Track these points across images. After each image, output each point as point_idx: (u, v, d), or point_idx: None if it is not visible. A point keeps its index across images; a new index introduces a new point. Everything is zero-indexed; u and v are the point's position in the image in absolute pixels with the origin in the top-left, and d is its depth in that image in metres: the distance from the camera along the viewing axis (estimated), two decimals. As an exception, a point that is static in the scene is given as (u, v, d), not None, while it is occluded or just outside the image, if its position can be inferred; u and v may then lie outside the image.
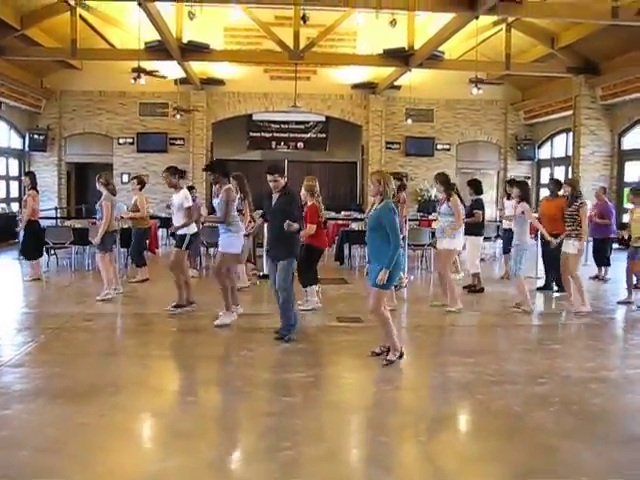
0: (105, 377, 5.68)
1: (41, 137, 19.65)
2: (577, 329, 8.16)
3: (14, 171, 19.11)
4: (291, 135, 20.87)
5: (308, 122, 20.83)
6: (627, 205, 16.09)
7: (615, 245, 12.15)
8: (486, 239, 11.95)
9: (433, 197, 19.44)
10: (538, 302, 9.66)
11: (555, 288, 9.85)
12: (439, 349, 7.00)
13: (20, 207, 11.49)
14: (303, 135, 20.88)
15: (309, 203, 8.38)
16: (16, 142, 19.38)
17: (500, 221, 12.69)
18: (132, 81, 14.68)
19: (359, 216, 15.76)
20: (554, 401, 5.14)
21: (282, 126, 20.82)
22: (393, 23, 17.80)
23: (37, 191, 10.59)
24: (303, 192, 8.51)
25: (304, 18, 16.88)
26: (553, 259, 9.47)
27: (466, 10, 11.88)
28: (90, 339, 7.16)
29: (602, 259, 11.38)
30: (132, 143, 20.36)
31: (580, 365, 6.23)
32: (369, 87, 20.31)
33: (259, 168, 18.56)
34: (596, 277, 11.36)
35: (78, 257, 12.77)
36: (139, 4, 12.06)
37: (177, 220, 8.37)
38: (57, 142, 20.10)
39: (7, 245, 14.85)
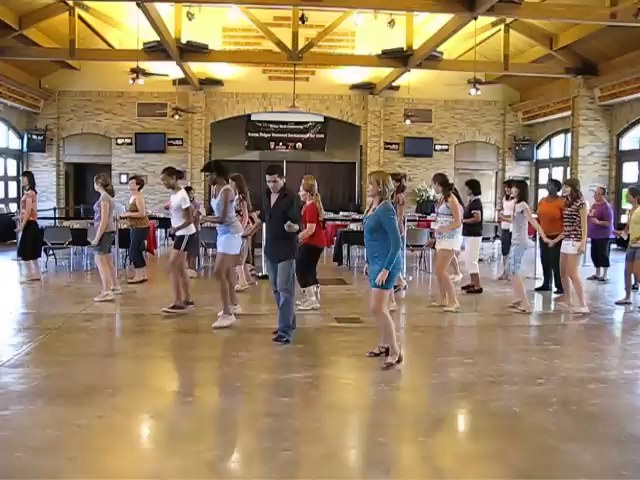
0: (104, 378, 5.69)
1: (39, 137, 19.63)
2: (575, 330, 8.18)
3: (12, 171, 19.09)
4: (290, 135, 20.84)
5: (307, 122, 20.82)
6: (625, 206, 16.12)
7: (613, 246, 12.15)
8: (485, 239, 11.96)
9: (431, 197, 19.45)
10: (536, 303, 9.68)
11: (555, 289, 9.83)
12: (438, 349, 7.00)
13: (18, 207, 11.46)
14: (302, 135, 20.86)
15: (308, 202, 8.39)
16: (14, 142, 19.37)
17: (499, 221, 12.69)
18: (131, 81, 14.69)
19: (358, 216, 15.77)
20: (553, 401, 5.14)
21: (281, 126, 20.79)
22: (392, 24, 17.88)
23: (35, 191, 10.58)
24: (302, 191, 8.52)
25: (303, 18, 16.91)
26: (553, 260, 9.47)
27: (465, 11, 11.87)
28: (89, 340, 7.15)
29: (600, 260, 11.38)
30: (130, 143, 20.35)
31: (579, 366, 6.23)
32: (368, 87, 20.32)
33: (258, 168, 18.65)
34: (594, 277, 11.37)
35: (76, 257, 12.79)
36: (138, 4, 12.05)
37: (175, 221, 8.37)
38: (55, 142, 20.09)
39: (6, 246, 14.83)
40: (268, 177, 6.82)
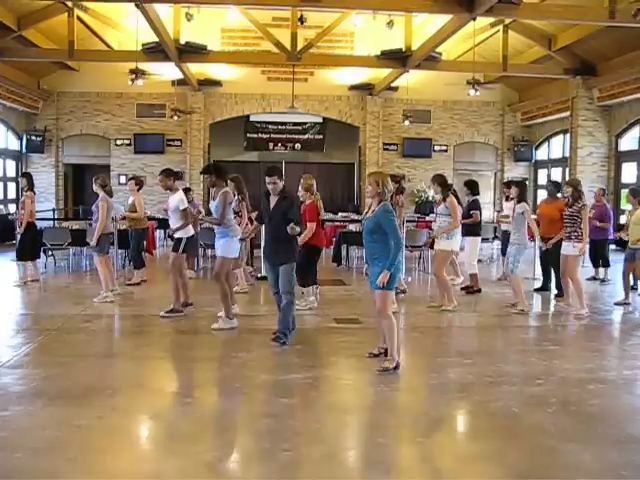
0: (103, 378, 5.69)
1: (38, 138, 19.62)
2: (574, 330, 8.19)
3: (11, 172, 19.08)
4: (288, 136, 20.83)
5: (305, 123, 20.82)
6: (624, 206, 16.13)
7: (612, 246, 12.16)
8: (484, 240, 11.97)
9: (430, 198, 19.45)
10: (535, 303, 9.69)
11: (555, 291, 9.82)
12: (437, 350, 7.00)
13: (17, 208, 11.45)
14: (300, 136, 20.86)
15: (307, 202, 8.38)
16: (13, 143, 19.35)
17: (498, 223, 12.69)
18: (130, 82, 14.69)
19: (356, 217, 15.77)
20: (552, 402, 5.15)
21: (279, 127, 20.78)
22: (390, 24, 17.89)
23: (34, 192, 10.57)
24: (301, 191, 8.51)
25: (301, 19, 16.92)
26: (553, 261, 9.47)
27: (463, 11, 11.87)
28: (88, 340, 7.15)
29: (598, 260, 11.38)
30: (129, 144, 20.34)
31: (578, 366, 6.24)
32: (366, 88, 20.32)
33: (257, 169, 18.69)
34: (593, 278, 11.38)
35: (76, 258, 12.78)
36: (137, 5, 12.05)
37: (173, 222, 8.36)
38: (54, 143, 20.07)
39: (5, 246, 14.81)
40: (268, 179, 6.75)
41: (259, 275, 10.63)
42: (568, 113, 17.75)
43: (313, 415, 4.89)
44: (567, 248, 8.61)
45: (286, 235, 6.65)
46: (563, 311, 8.92)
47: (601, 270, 11.42)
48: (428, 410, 5.11)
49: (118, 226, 10.93)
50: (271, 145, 20.82)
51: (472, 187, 10.49)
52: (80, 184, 20.81)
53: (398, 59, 16.41)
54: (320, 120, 20.81)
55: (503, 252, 11.47)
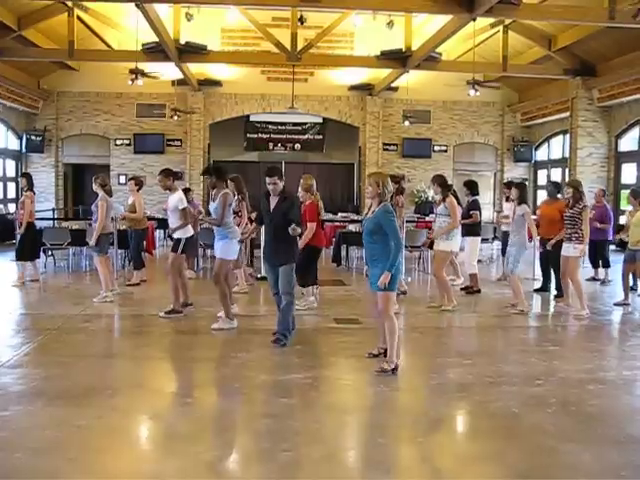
0: (103, 379, 5.69)
1: (38, 138, 19.62)
2: (574, 331, 8.19)
3: (11, 172, 19.09)
4: (288, 136, 20.84)
5: (305, 123, 20.83)
6: (624, 207, 16.12)
7: (612, 247, 12.15)
8: (483, 240, 11.97)
9: (430, 198, 19.46)
10: (535, 304, 9.70)
11: (555, 292, 9.82)
12: (437, 350, 7.00)
13: (17, 208, 11.44)
14: (300, 136, 20.86)
15: (307, 202, 8.38)
16: (13, 143, 19.35)
17: (497, 223, 12.69)
18: (130, 82, 14.69)
19: (356, 217, 15.78)
20: (552, 402, 5.15)
21: (279, 127, 20.79)
22: (390, 25, 17.90)
23: (34, 192, 10.57)
24: (301, 192, 8.49)
25: (301, 19, 16.93)
26: (553, 262, 9.46)
27: (463, 12, 11.88)
28: (88, 341, 7.15)
29: (598, 261, 11.37)
30: (129, 144, 20.35)
31: (577, 366, 6.24)
32: (366, 88, 20.33)
33: (256, 169, 18.69)
34: (593, 279, 11.38)
35: (75, 258, 12.78)
36: (137, 5, 12.06)
37: (172, 222, 8.35)
38: (54, 143, 20.08)
39: (5, 246, 14.80)
40: (268, 179, 6.71)
41: (259, 275, 10.63)
42: (568, 114, 17.76)
43: (313, 415, 4.89)
44: (568, 249, 8.60)
45: (286, 236, 6.63)
46: (563, 311, 8.92)
47: (601, 271, 11.42)
48: (428, 410, 5.11)
49: (118, 226, 10.94)
50: (271, 145, 20.82)
51: (471, 187, 10.49)
52: (80, 184, 20.81)
53: (398, 59, 16.42)
54: (320, 120, 20.81)
55: (503, 252, 11.47)
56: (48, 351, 6.60)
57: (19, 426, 4.53)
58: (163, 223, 13.69)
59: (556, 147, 20.30)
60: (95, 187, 9.25)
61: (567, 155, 18.19)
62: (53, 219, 15.74)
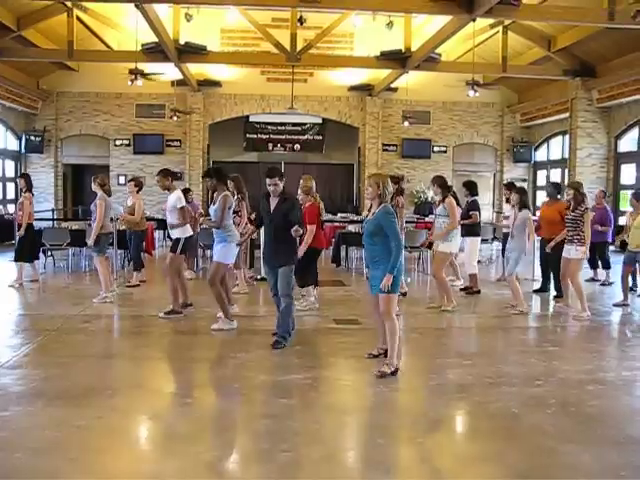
0: (103, 379, 5.69)
1: (37, 138, 19.63)
2: (574, 331, 8.18)
3: (10, 173, 19.08)
4: (288, 137, 20.85)
5: (305, 124, 20.84)
6: (624, 208, 16.13)
7: (611, 247, 12.15)
8: (483, 241, 11.97)
9: (430, 199, 19.48)
10: (535, 304, 9.71)
11: (554, 293, 9.82)
12: (436, 351, 7.00)
13: (16, 209, 11.42)
14: (300, 137, 20.88)
15: (307, 204, 8.36)
16: (12, 143, 19.35)
17: (498, 224, 12.70)
18: (129, 83, 14.69)
19: (356, 218, 15.78)
20: (551, 403, 5.15)
21: (279, 128, 20.80)
22: (390, 25, 17.91)
23: (32, 193, 10.55)
24: (301, 194, 8.46)
25: (301, 20, 16.93)
26: (553, 263, 9.46)
27: (463, 13, 11.89)
28: (88, 341, 7.15)
29: (597, 262, 11.35)
30: (129, 145, 20.35)
31: (577, 367, 6.24)
32: (366, 89, 20.34)
33: (256, 170, 18.71)
34: (592, 279, 11.37)
35: (75, 259, 12.78)
36: (136, 6, 12.06)
37: (171, 221, 8.33)
38: (53, 144, 20.08)
39: (4, 247, 14.79)
40: (268, 180, 6.67)
41: (259, 277, 10.63)
42: (567, 114, 17.78)
43: (312, 416, 4.89)
44: (569, 251, 8.58)
45: (286, 237, 6.62)
46: (562, 312, 8.92)
47: (600, 272, 11.42)
48: (427, 411, 5.11)
49: (117, 226, 10.94)
50: (270, 146, 20.84)
51: (471, 188, 10.48)
52: (79, 184, 20.81)
53: (397, 60, 16.44)
54: (319, 121, 20.83)
55: (503, 253, 11.47)
56: (48, 352, 6.59)
57: (19, 426, 4.53)
58: (162, 224, 13.69)
59: (555, 148, 20.32)
60: (94, 187, 9.24)
61: (566, 156, 18.21)
62: (52, 219, 15.74)
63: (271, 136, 20.82)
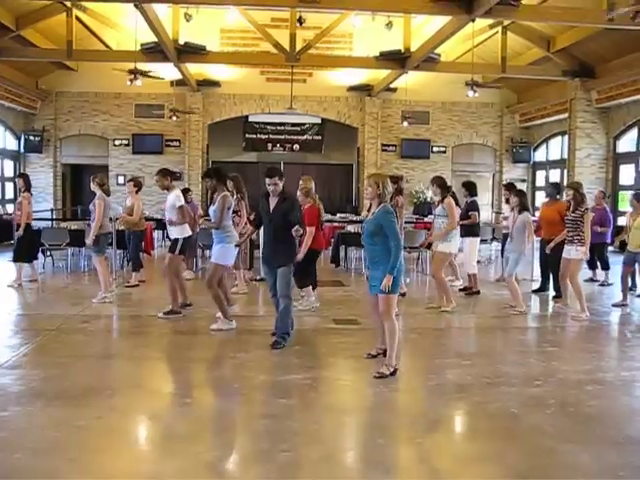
0: (102, 379, 5.69)
1: (36, 138, 19.62)
2: (572, 332, 8.19)
3: (9, 172, 19.07)
4: (287, 137, 20.86)
5: (304, 124, 20.85)
6: (623, 209, 16.14)
7: (610, 248, 12.16)
8: (482, 241, 11.97)
9: (429, 199, 19.49)
10: (534, 304, 9.71)
11: (553, 293, 9.82)
12: (435, 351, 7.00)
13: (14, 209, 11.40)
14: (299, 137, 20.89)
15: (306, 205, 8.35)
16: (11, 143, 19.35)
17: (498, 224, 12.70)
18: (128, 83, 14.69)
19: (355, 218, 15.78)
20: (550, 403, 5.16)
21: (278, 128, 20.81)
22: (389, 25, 17.91)
23: (31, 193, 10.54)
24: (300, 196, 8.44)
25: (300, 20, 16.94)
26: (552, 263, 9.46)
27: (462, 13, 11.90)
28: (87, 341, 7.14)
29: (595, 262, 11.36)
30: (128, 145, 20.34)
31: (576, 367, 6.25)
32: (365, 89, 20.35)
33: (255, 170, 18.70)
34: (591, 280, 11.38)
35: (74, 259, 12.77)
36: (135, 6, 12.06)
37: (170, 217, 8.30)
38: (52, 143, 20.07)
39: (2, 247, 14.78)
40: (268, 180, 6.65)
41: (258, 277, 10.62)
42: (566, 115, 17.79)
43: (312, 416, 4.90)
44: (570, 252, 8.57)
45: (285, 237, 6.61)
46: (561, 312, 8.93)
47: (599, 272, 11.42)
48: (427, 411, 5.11)
49: (116, 226, 10.94)
50: (270, 146, 20.85)
51: (470, 188, 10.48)
52: (78, 184, 20.81)
53: (397, 60, 16.45)
54: (319, 121, 20.84)
55: (502, 253, 11.47)
56: (47, 352, 6.59)
57: (18, 427, 4.53)
58: (161, 224, 13.68)
59: (554, 148, 20.33)
60: (93, 186, 9.23)
61: (565, 156, 18.22)
62: (51, 219, 15.73)
63: (270, 136, 20.83)
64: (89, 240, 9.14)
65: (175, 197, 8.24)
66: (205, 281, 7.64)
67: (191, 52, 16.33)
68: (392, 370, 5.77)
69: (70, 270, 12.20)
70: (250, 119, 20.72)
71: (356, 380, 5.93)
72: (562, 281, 9.04)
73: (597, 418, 4.88)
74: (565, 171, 18.21)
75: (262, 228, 7.06)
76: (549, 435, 4.50)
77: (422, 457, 4.34)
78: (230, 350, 6.82)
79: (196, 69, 18.98)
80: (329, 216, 15.94)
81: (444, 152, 21.28)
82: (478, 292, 10.13)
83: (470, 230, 10.12)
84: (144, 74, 14.85)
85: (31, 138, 19.58)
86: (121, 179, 19.60)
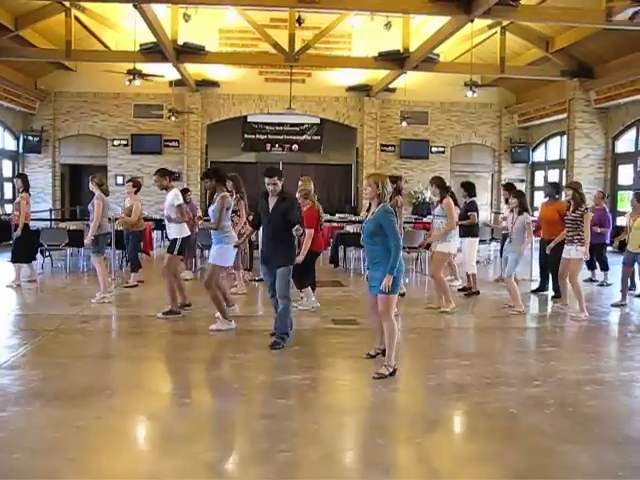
0: (101, 379, 5.68)
1: (35, 139, 19.61)
2: (571, 332, 8.19)
3: (8, 173, 19.05)
4: (286, 137, 20.87)
5: (303, 124, 20.85)
6: (622, 209, 16.16)
7: (609, 248, 12.17)
8: (481, 242, 11.97)
9: (427, 199, 19.50)
10: (533, 305, 9.72)
11: (552, 293, 9.83)
12: (435, 351, 6.99)
13: (13, 209, 11.38)
14: (298, 137, 20.89)
15: (305, 207, 8.32)
16: (10, 143, 19.34)
17: (496, 224, 12.70)
18: (127, 83, 14.69)
19: (354, 218, 15.78)
20: (549, 403, 5.16)
21: (277, 128, 20.81)
22: (388, 26, 17.95)
23: (29, 194, 10.53)
24: (299, 197, 8.41)
25: (299, 20, 16.95)
26: (551, 263, 9.46)
27: (461, 13, 11.91)
28: (86, 341, 7.14)
29: (594, 262, 11.36)
30: (126, 145, 20.33)
31: (575, 367, 6.25)
32: (364, 89, 20.35)
33: (254, 170, 18.70)
34: (590, 280, 11.38)
35: (73, 259, 12.76)
36: (134, 6, 12.06)
37: (169, 214, 8.30)
38: (51, 144, 20.06)
39: (1, 247, 14.77)
40: (267, 180, 6.62)
41: (257, 278, 10.61)
42: (565, 115, 17.80)
43: (311, 416, 4.90)
44: (570, 251, 8.57)
45: (285, 237, 6.61)
46: (560, 312, 8.94)
47: (598, 272, 11.42)
48: (426, 411, 5.11)
49: (116, 226, 10.93)
50: (268, 146, 20.84)
51: (468, 189, 10.48)
52: (77, 184, 20.80)
53: (396, 60, 16.45)
54: (317, 121, 20.84)
55: (501, 253, 11.47)
56: (46, 352, 6.59)
57: (17, 427, 4.53)
58: (160, 224, 13.68)
59: (553, 148, 20.34)
60: (92, 186, 9.22)
61: (564, 156, 18.24)
62: (50, 220, 15.72)
63: (269, 136, 20.82)
64: (87, 240, 9.14)
65: (173, 195, 8.23)
66: (203, 282, 7.63)
67: (190, 52, 16.33)
68: (391, 370, 5.76)
69: (69, 270, 12.19)
70: (249, 119, 20.72)
71: (355, 380, 5.93)
72: (561, 280, 9.05)
73: (596, 418, 4.89)
74: (564, 171, 18.22)
75: (261, 228, 7.04)
76: (548, 435, 4.50)
77: (421, 457, 4.34)
78: (229, 350, 6.82)
79: (195, 69, 18.97)
80: (328, 216, 15.94)
81: (443, 152, 21.29)
82: (478, 292, 10.13)
83: (469, 230, 10.12)
84: (143, 76, 14.84)
85: (30, 138, 19.56)
86: (120, 179, 19.60)
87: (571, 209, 8.65)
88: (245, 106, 20.47)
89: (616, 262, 10.44)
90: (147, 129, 20.32)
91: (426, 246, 10.63)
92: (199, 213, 12.24)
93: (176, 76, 18.04)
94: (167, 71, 17.09)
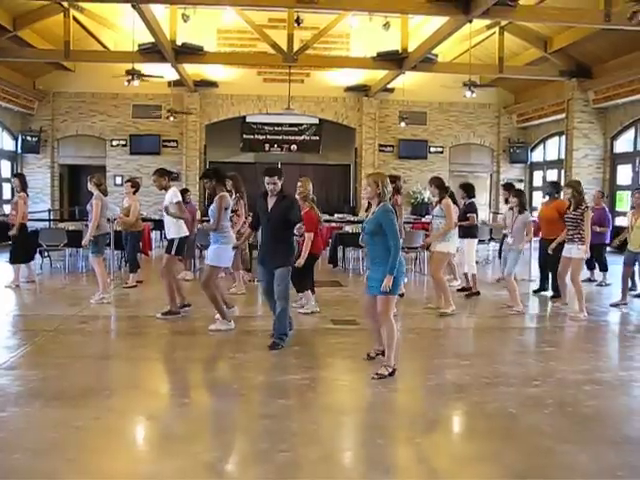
0: (100, 380, 5.69)
1: (34, 139, 19.58)
2: (571, 332, 8.20)
3: (6, 173, 19.02)
4: (284, 137, 20.85)
5: (301, 124, 20.84)
6: (621, 209, 16.18)
7: (608, 249, 12.17)
8: (480, 242, 11.97)
9: (426, 200, 19.50)
10: (532, 304, 9.72)
11: (551, 293, 9.84)
12: (434, 352, 7.00)
13: (10, 209, 11.35)
14: (296, 137, 20.88)
15: (304, 210, 8.29)
16: (9, 144, 19.31)
17: (495, 225, 12.70)
18: (126, 83, 14.68)
19: (353, 218, 15.78)
20: (549, 403, 5.17)
21: (275, 128, 20.80)
22: (386, 26, 17.95)
23: (27, 193, 10.51)
24: (298, 197, 8.38)
25: (298, 20, 16.94)
26: (551, 263, 9.47)
27: (460, 13, 11.90)
28: (85, 342, 7.14)
29: (593, 263, 11.37)
30: (125, 145, 20.31)
31: (574, 367, 6.25)
32: (362, 90, 20.34)
33: (253, 170, 18.68)
34: (589, 280, 11.39)
35: (72, 259, 12.74)
36: (133, 6, 12.04)
37: (168, 220, 8.29)
38: (50, 144, 20.03)
39: (1, 247, 14.75)
40: (268, 179, 6.59)
41: (257, 278, 10.59)
42: (564, 115, 17.80)
43: (310, 416, 4.90)
44: (570, 250, 8.58)
45: (284, 237, 6.60)
46: (559, 312, 8.94)
47: (598, 273, 11.42)
48: (426, 411, 5.12)
49: (115, 227, 10.93)
50: (267, 146, 20.83)
51: (468, 190, 10.46)
52: (76, 185, 20.75)
53: (394, 61, 16.45)
54: (316, 121, 20.83)
55: (500, 253, 11.47)
56: (45, 352, 6.58)
57: (17, 427, 4.53)
58: (159, 224, 13.66)
59: (552, 148, 20.35)
60: (90, 186, 9.22)
61: (563, 156, 18.24)
62: (49, 220, 15.71)
63: (268, 137, 20.81)
64: (85, 240, 9.13)
65: (172, 193, 8.23)
66: (201, 282, 7.62)
67: (188, 53, 16.33)
68: (391, 370, 5.76)
69: (68, 271, 12.18)
70: (247, 119, 20.71)
71: (354, 380, 5.93)
72: (560, 280, 9.05)
73: (595, 418, 4.89)
74: (562, 171, 18.23)
75: (260, 229, 7.02)
76: (547, 435, 4.51)
77: (421, 457, 4.35)
78: (228, 351, 6.82)
79: (193, 70, 18.96)
80: (327, 216, 15.94)
81: (441, 152, 21.29)
82: (478, 293, 10.11)
83: (468, 231, 10.12)
84: (142, 77, 14.83)
85: (28, 138, 19.54)
86: (119, 179, 19.58)
87: (571, 208, 8.66)
88: (244, 106, 20.46)
89: (615, 262, 10.45)
90: (146, 129, 20.30)
91: (426, 247, 10.62)
92: (198, 216, 12.25)
93: (175, 76, 18.02)
94: (166, 71, 17.08)
